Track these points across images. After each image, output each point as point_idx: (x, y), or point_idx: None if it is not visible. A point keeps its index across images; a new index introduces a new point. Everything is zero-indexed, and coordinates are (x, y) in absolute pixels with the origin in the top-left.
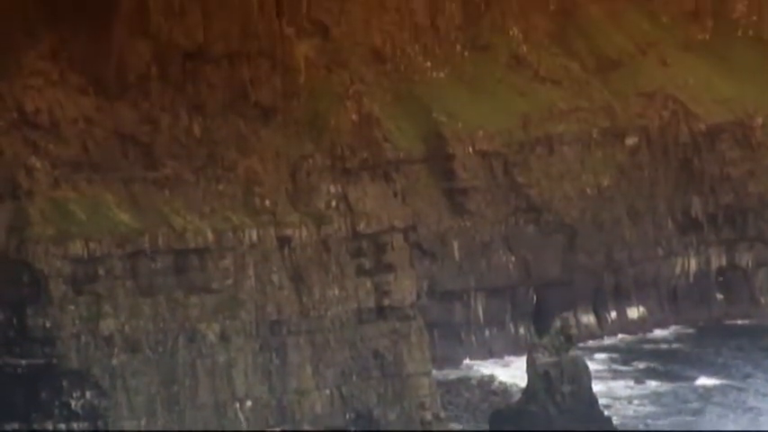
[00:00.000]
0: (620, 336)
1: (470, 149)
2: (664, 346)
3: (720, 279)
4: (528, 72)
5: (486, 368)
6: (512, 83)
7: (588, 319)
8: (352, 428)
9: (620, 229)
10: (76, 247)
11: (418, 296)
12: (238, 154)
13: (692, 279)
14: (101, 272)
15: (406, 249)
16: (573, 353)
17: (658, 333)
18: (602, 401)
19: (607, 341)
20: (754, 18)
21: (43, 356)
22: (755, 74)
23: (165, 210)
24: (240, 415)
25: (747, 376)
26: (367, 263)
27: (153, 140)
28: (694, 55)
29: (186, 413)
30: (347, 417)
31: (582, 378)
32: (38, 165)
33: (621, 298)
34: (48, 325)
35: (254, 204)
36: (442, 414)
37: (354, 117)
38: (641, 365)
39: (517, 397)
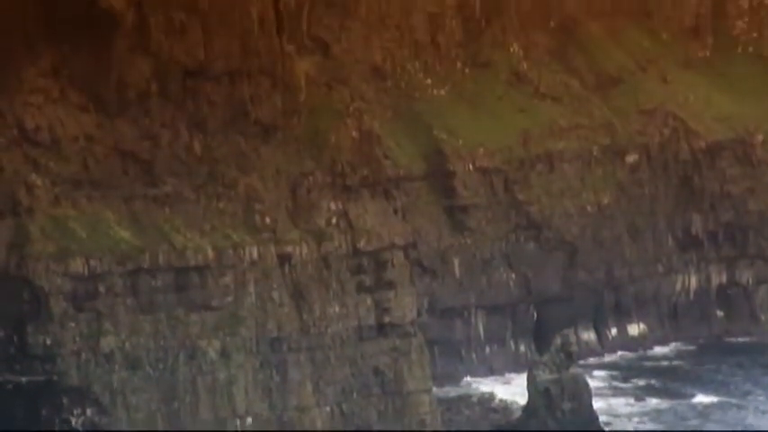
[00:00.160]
0: (620, 353)
1: (471, 166)
2: (664, 363)
3: (722, 296)
4: (528, 89)
5: (486, 385)
6: (512, 100)
7: (589, 336)
8: None
9: (620, 247)
10: (77, 265)
11: (419, 313)
12: (239, 171)
13: (692, 296)
14: (101, 289)
15: (406, 266)
16: (573, 370)
17: (659, 350)
18: (602, 419)
19: (607, 358)
20: (755, 35)
21: (44, 373)
22: (756, 91)
23: (165, 227)
24: None
25: (747, 393)
26: (367, 280)
27: (153, 158)
28: (695, 72)
29: (187, 430)
30: None
31: (582, 395)
32: (38, 182)
33: (622, 315)
34: (48, 342)
35: (254, 222)
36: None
37: (355, 134)
38: (641, 382)
39: (518, 414)
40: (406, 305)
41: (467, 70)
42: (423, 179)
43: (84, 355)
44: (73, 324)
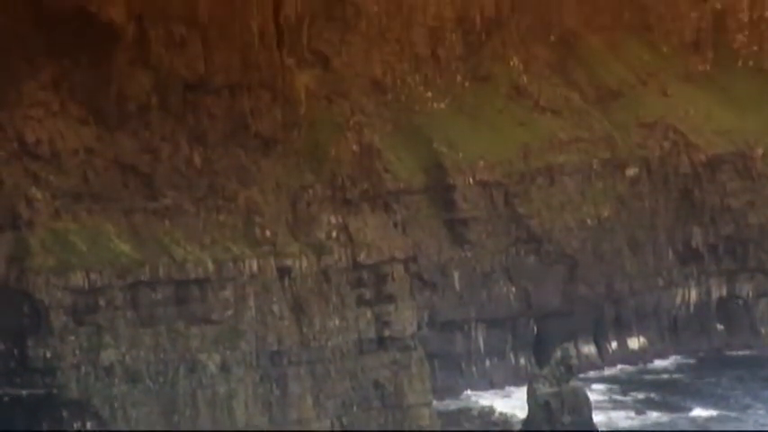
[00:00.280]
0: (620, 366)
1: (471, 180)
2: (664, 376)
3: (722, 309)
4: (528, 102)
5: (486, 399)
6: (512, 113)
7: (589, 349)
8: None
9: (620, 260)
10: (77, 278)
11: (419, 327)
12: (239, 184)
13: (692, 309)
14: (101, 302)
15: (406, 280)
16: (573, 383)
17: (659, 363)
18: None
19: (608, 371)
20: (755, 48)
21: (44, 387)
22: (756, 104)
23: (165, 240)
24: None
25: (747, 407)
26: (367, 293)
27: (153, 171)
28: (695, 85)
29: None
30: None
31: (582, 408)
32: (38, 195)
33: (622, 328)
34: (48, 355)
35: (254, 235)
36: None
37: (355, 148)
38: (641, 396)
39: (518, 428)
40: (406, 318)
41: (467, 84)
42: (423, 192)
43: (84, 369)
44: (73, 337)
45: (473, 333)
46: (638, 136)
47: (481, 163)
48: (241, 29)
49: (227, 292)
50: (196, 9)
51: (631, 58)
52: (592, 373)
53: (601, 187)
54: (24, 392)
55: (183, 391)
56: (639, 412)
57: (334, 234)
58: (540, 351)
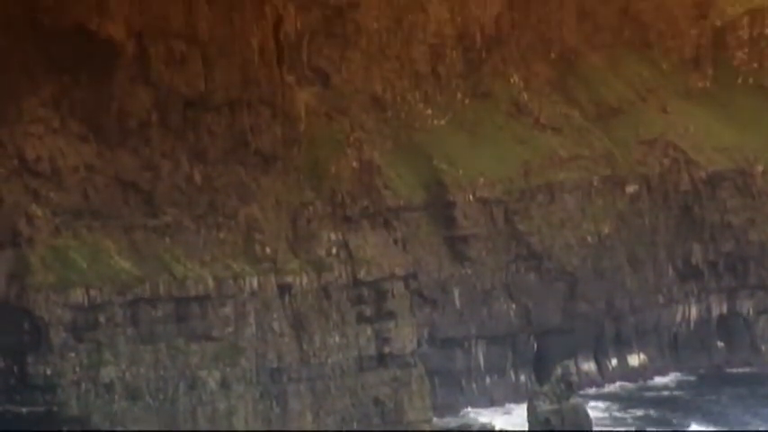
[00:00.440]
0: (620, 383)
1: (471, 197)
2: (664, 393)
3: (723, 326)
4: (529, 120)
5: (486, 416)
6: (512, 130)
7: (589, 366)
8: None
9: (620, 277)
10: (77, 295)
11: (419, 344)
12: (239, 201)
13: (692, 326)
14: (101, 319)
15: (406, 297)
16: (574, 400)
17: (659, 380)
18: None
19: (608, 388)
20: (755, 65)
21: (44, 404)
22: (756, 121)
23: (165, 257)
24: None
25: (747, 424)
26: (367, 310)
27: (154, 188)
28: (695, 102)
29: None
30: None
31: (583, 425)
32: (38, 212)
33: (622, 345)
34: (48, 372)
35: (254, 252)
36: None
37: (355, 164)
38: (641, 413)
39: None
40: (406, 335)
41: (467, 101)
42: (423, 209)
43: (84, 386)
44: (73, 354)
45: (473, 350)
46: (638, 153)
47: (481, 180)
48: (241, 46)
49: (228, 309)
50: (196, 26)
51: (631, 75)
52: (592, 390)
53: (601, 204)
54: (24, 410)
55: (184, 408)
56: (640, 429)
57: (334, 251)
58: (541, 368)
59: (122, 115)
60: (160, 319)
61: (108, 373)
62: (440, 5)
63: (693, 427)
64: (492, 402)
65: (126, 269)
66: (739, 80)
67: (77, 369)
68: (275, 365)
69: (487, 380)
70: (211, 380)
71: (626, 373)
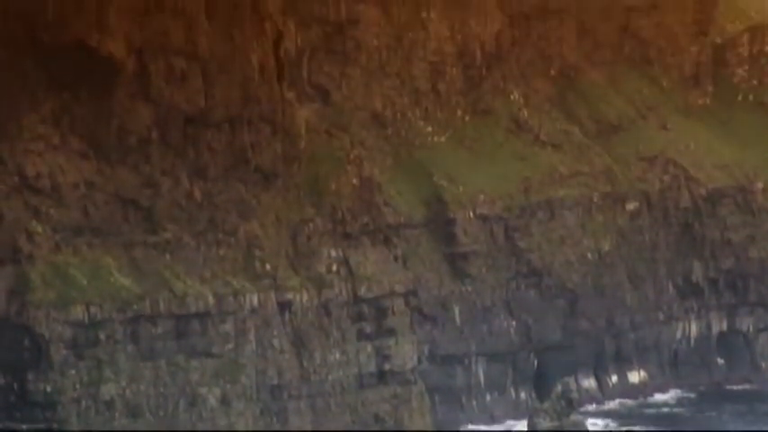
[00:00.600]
0: (620, 400)
1: (471, 214)
2: (664, 410)
3: (723, 343)
4: (529, 136)
5: None
6: (512, 147)
7: (589, 383)
8: None
9: (620, 294)
10: (77, 312)
11: (419, 360)
12: (239, 218)
13: (692, 343)
14: (101, 336)
15: (406, 314)
16: (574, 417)
17: (659, 397)
18: None
19: (608, 405)
20: (755, 83)
21: (44, 421)
22: (756, 138)
23: (165, 274)
24: None
25: None
26: (368, 327)
27: (154, 204)
28: (695, 119)
29: None
30: None
31: None
32: (39, 229)
33: (622, 362)
34: (48, 389)
35: (254, 268)
36: None
37: (355, 181)
38: (642, 429)
39: None
40: (406, 352)
41: (467, 118)
42: (423, 226)
43: (84, 403)
44: (73, 371)
45: (473, 367)
46: (638, 170)
47: (481, 197)
48: (241, 63)
49: (228, 326)
50: (196, 43)
51: (631, 92)
52: (592, 407)
53: (601, 221)
54: (25, 427)
55: (184, 425)
56: None
57: (334, 268)
58: (541, 385)
59: (122, 132)
60: (160, 336)
61: (108, 390)
62: (440, 23)
63: None
64: (492, 419)
65: (126, 286)
66: (739, 97)
67: (78, 386)
68: (275, 382)
69: (488, 397)
70: (212, 397)
71: (626, 389)
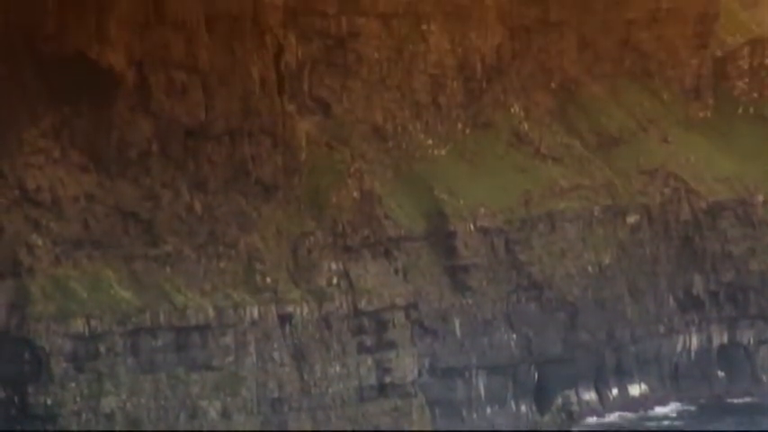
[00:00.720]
0: (621, 413)
1: (472, 227)
2: (665, 423)
3: (723, 356)
4: (529, 149)
5: None
6: (513, 160)
7: (590, 396)
8: None
9: (621, 307)
10: (77, 325)
11: (419, 373)
12: (239, 231)
13: (693, 356)
14: (102, 349)
15: (407, 327)
16: (574, 430)
17: (659, 410)
18: None
19: (608, 418)
20: (755, 96)
21: None
22: (757, 151)
23: (166, 287)
24: None
25: None
26: (368, 340)
27: (154, 217)
28: (695, 132)
29: None
30: None
31: None
32: (39, 242)
33: (623, 375)
34: (49, 402)
35: (255, 281)
36: None
37: (355, 194)
38: None
39: None
40: (406, 365)
41: (468, 131)
42: (424, 239)
43: (84, 416)
44: (73, 384)
45: (474, 380)
46: (638, 183)
47: (482, 210)
48: (242, 75)
49: (228, 339)
50: (197, 56)
51: (632, 105)
52: (592, 420)
53: (602, 234)
54: None
55: None
56: None
57: (334, 281)
58: (541, 398)
59: (123, 145)
60: (160, 349)
61: (108, 402)
62: (440, 36)
63: None
64: None
65: (126, 299)
66: (740, 110)
67: (78, 399)
68: (276, 395)
69: (488, 410)
70: (212, 409)
71: (627, 402)
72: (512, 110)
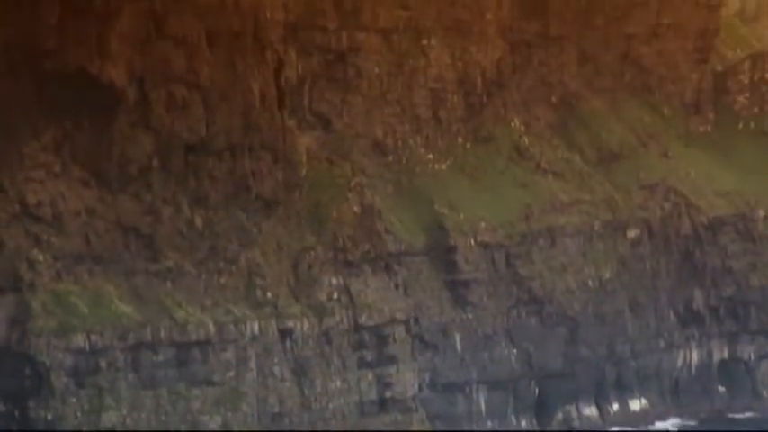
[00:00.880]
0: (621, 428)
1: (472, 241)
2: None
3: (724, 371)
4: (530, 164)
5: None
6: (514, 175)
7: (590, 410)
8: None
9: (621, 322)
10: (78, 340)
11: (420, 388)
12: (240, 246)
13: (693, 371)
14: (102, 364)
15: (407, 341)
16: None
17: (660, 425)
18: None
19: None
20: (756, 110)
21: None
22: (757, 166)
23: (166, 302)
24: None
25: None
26: (369, 355)
27: (155, 232)
28: (696, 147)
29: None
30: None
31: None
32: (40, 257)
33: (623, 390)
34: (49, 417)
35: (255, 296)
36: None
37: (356, 209)
38: None
39: None
40: (407, 380)
41: (468, 145)
42: (424, 254)
43: (85, 431)
44: (74, 399)
45: (474, 395)
46: (639, 197)
47: (482, 224)
48: (242, 91)
49: (229, 354)
50: (197, 71)
51: (632, 119)
52: None
53: (602, 249)
54: None
55: None
56: None
57: (335, 296)
58: (542, 413)
59: (123, 160)
60: (161, 364)
61: (109, 418)
62: (441, 50)
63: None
64: None
65: (127, 314)
66: (740, 125)
67: (78, 414)
68: (276, 410)
69: (489, 424)
70: (213, 425)
71: (627, 417)
72: (512, 124)
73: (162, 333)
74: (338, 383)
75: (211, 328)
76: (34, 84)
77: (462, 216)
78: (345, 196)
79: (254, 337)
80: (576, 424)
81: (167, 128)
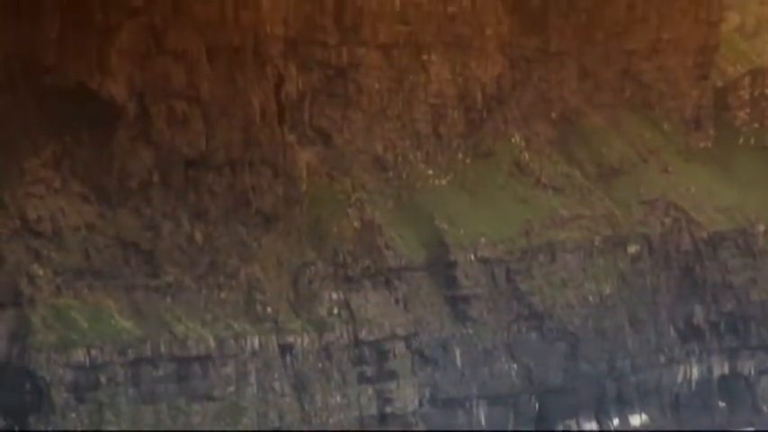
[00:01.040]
0: None
1: (472, 257)
2: None
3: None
4: (530, 179)
5: None
6: (514, 190)
7: (590, 426)
8: None
9: (622, 337)
10: (78, 355)
11: (420, 403)
12: (240, 261)
13: (694, 387)
14: (102, 379)
15: (407, 357)
16: None
17: None
18: None
19: None
20: (756, 126)
21: None
22: (757, 182)
23: (166, 317)
24: None
25: None
26: (369, 370)
27: (155, 247)
28: (696, 163)
29: None
30: None
31: None
32: (40, 272)
33: (624, 405)
34: None
35: (255, 312)
36: None
37: (356, 224)
38: None
39: None
40: (407, 395)
41: (468, 160)
42: (424, 269)
43: None
44: (74, 415)
45: (475, 410)
46: (639, 213)
47: (483, 240)
48: (242, 105)
49: (229, 369)
50: (198, 86)
51: (632, 135)
52: None
53: (602, 264)
54: None
55: None
56: None
57: (335, 311)
58: (542, 428)
59: (123, 175)
60: (161, 379)
61: None
62: (441, 65)
63: None
64: None
65: (127, 329)
66: (740, 140)
67: (79, 429)
68: (277, 425)
69: None
70: None
71: None
72: (512, 140)
73: (162, 348)
74: (338, 399)
75: (211, 343)
76: (34, 98)
77: (462, 231)
78: (346, 211)
79: (254, 353)
80: None
81: (167, 143)
